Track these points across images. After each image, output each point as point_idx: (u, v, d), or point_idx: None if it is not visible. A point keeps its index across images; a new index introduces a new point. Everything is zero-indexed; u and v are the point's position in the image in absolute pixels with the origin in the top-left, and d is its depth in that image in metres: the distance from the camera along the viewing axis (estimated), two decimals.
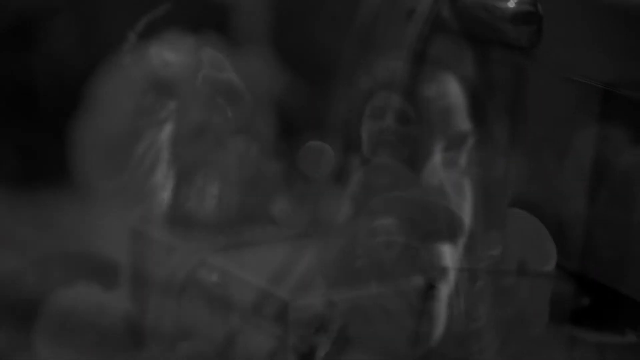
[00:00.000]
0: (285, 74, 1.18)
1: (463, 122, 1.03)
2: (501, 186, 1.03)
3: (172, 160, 1.05)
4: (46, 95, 1.26)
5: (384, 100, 1.07)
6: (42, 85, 1.23)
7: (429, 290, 0.96)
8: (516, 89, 1.05)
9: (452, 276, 0.97)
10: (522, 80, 1.05)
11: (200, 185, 1.09)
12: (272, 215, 1.08)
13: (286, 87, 1.05)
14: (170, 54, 1.05)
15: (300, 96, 1.06)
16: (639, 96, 1.02)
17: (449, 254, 0.99)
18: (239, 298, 0.99)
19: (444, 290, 0.96)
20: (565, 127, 1.08)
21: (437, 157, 1.06)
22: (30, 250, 1.13)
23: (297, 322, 0.94)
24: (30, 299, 1.08)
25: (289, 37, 1.21)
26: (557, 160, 1.09)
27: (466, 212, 1.02)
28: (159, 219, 1.07)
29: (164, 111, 1.04)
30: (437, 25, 1.06)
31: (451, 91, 1.05)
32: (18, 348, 1.07)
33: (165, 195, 1.05)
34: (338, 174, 1.09)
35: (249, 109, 1.04)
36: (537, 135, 1.08)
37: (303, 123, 1.07)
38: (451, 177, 1.06)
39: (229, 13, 1.13)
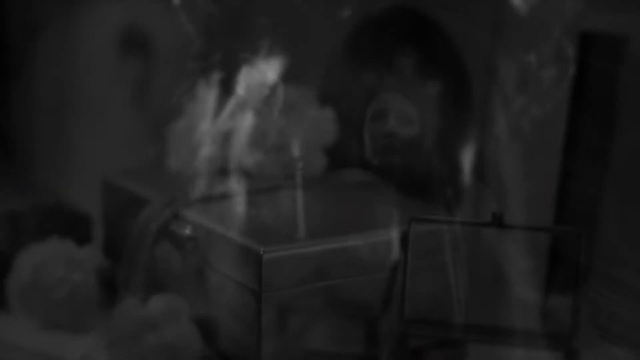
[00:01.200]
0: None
1: None
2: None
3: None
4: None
5: (386, 102, 1.07)
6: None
7: (401, 241, 0.95)
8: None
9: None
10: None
11: (180, 139, 1.08)
12: (246, 168, 1.07)
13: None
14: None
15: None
16: (609, 65, 1.03)
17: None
18: (212, 251, 0.98)
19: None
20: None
21: None
22: (1, 205, 1.12)
23: (270, 274, 0.93)
24: (2, 255, 1.07)
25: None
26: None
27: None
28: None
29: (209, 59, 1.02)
30: None
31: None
32: None
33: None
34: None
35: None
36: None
37: None
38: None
39: None
